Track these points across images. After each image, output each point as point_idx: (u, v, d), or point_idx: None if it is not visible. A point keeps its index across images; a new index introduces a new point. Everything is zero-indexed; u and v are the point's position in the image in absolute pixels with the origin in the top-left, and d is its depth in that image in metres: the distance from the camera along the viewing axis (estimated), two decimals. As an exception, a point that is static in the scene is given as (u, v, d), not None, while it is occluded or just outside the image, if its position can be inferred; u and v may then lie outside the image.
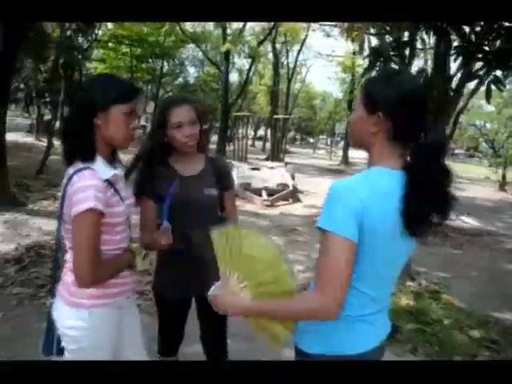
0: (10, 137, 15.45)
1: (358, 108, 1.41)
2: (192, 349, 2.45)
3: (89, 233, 1.54)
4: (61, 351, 1.70)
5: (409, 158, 1.36)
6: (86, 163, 1.60)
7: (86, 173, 1.57)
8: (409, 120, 1.33)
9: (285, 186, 11.30)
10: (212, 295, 1.46)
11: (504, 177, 20.76)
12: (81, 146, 1.62)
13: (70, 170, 1.61)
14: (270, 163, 15.05)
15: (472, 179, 24.71)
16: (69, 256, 1.69)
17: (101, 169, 1.63)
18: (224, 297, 1.44)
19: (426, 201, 1.30)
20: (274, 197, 10.52)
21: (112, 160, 1.75)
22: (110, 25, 21.47)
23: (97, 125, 1.63)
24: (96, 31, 17.50)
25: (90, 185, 1.54)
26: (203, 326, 2.32)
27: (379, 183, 1.31)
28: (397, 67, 4.69)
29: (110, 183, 1.65)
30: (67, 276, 1.70)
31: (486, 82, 4.43)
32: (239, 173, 11.93)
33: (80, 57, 15.05)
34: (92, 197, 1.52)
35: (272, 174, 12.43)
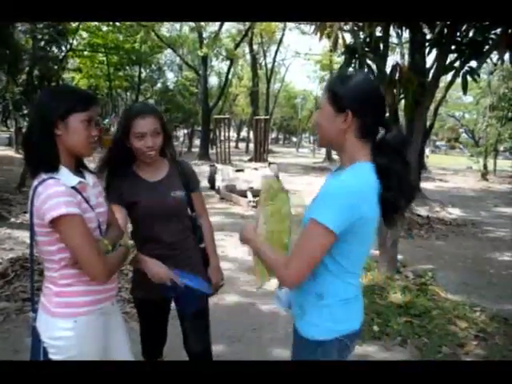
0: (-11, 151, 15.29)
1: (325, 108, 1.51)
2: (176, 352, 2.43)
3: (79, 233, 1.57)
4: None
5: (373, 152, 1.51)
6: (49, 174, 1.60)
7: (49, 181, 1.57)
8: (374, 116, 1.49)
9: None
10: (243, 225, 1.75)
11: (485, 166, 21.09)
12: (43, 158, 1.62)
13: (35, 182, 1.61)
14: (253, 164, 15.02)
15: (454, 170, 25.05)
16: (47, 265, 1.68)
17: (65, 177, 1.63)
18: (248, 229, 1.69)
19: (393, 188, 1.47)
20: (258, 198, 10.49)
21: (77, 169, 1.76)
22: (84, 33, 21.26)
23: (57, 135, 1.63)
24: (71, 40, 17.29)
25: (56, 191, 1.54)
26: (184, 327, 2.31)
27: (366, 178, 1.47)
28: (372, 63, 4.72)
29: (76, 190, 1.65)
30: (48, 287, 1.69)
31: (461, 73, 4.48)
32: (223, 175, 11.90)
33: (56, 67, 14.85)
34: (62, 202, 1.53)
35: (256, 175, 12.43)
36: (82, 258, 1.59)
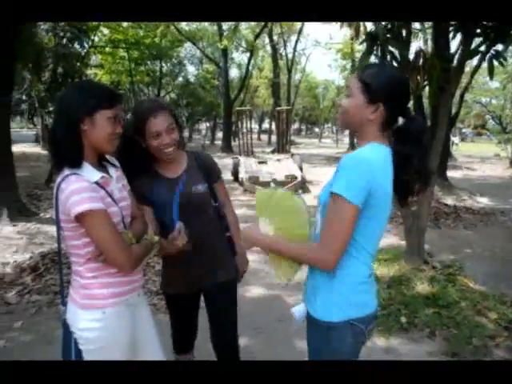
0: (18, 148, 15.61)
1: (357, 96, 1.55)
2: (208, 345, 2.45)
3: (104, 227, 1.60)
4: (79, 354, 1.72)
5: (395, 141, 1.58)
6: (73, 169, 1.62)
7: (72, 178, 1.60)
8: (400, 108, 1.57)
9: (293, 177, 11.26)
10: (243, 229, 1.72)
11: (514, 153, 20.53)
12: (67, 153, 1.64)
13: (58, 179, 1.64)
14: (276, 155, 14.99)
15: (481, 158, 24.48)
16: (74, 260, 1.72)
17: (88, 173, 1.66)
18: (252, 230, 1.67)
19: (412, 172, 1.55)
20: (283, 189, 10.47)
21: (101, 163, 1.79)
22: (105, 30, 21.47)
23: (83, 131, 1.65)
24: (92, 37, 17.49)
25: (79, 187, 1.57)
26: (213, 318, 2.32)
27: (380, 155, 1.52)
28: (394, 50, 4.62)
29: (99, 185, 1.67)
30: (76, 280, 1.73)
31: (488, 57, 4.35)
32: (246, 167, 11.90)
33: (78, 64, 15.06)
34: (86, 198, 1.56)
35: (279, 166, 12.40)
36: (108, 250, 1.62)
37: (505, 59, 4.46)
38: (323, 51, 32.09)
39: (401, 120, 1.57)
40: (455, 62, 4.65)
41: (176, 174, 2.15)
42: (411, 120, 1.57)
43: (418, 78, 4.54)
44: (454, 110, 11.84)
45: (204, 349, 2.50)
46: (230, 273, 2.28)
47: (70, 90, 1.77)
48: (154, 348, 1.95)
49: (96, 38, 19.48)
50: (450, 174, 12.44)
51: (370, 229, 1.52)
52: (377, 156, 1.50)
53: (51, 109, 15.31)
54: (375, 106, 1.52)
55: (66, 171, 1.63)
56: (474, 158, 24.17)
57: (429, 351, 3.35)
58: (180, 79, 31.39)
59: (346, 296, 1.54)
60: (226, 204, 2.36)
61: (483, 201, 10.39)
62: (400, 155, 1.55)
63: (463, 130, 52.37)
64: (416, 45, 5.32)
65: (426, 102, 5.39)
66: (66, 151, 1.64)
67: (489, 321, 3.74)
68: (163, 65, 28.20)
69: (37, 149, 20.02)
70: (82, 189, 1.57)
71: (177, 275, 2.22)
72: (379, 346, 3.38)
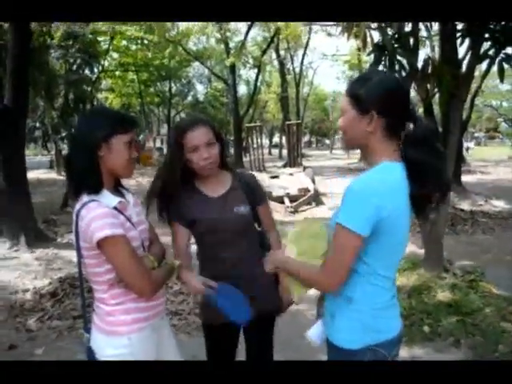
0: (33, 174, 15.86)
1: (348, 112, 1.50)
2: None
3: (125, 252, 1.60)
4: None
5: (403, 148, 1.48)
6: (91, 196, 1.63)
7: (91, 205, 1.60)
8: (398, 112, 1.46)
9: (306, 190, 11.24)
10: (271, 254, 1.80)
11: (528, 155, 20.28)
12: (86, 180, 1.66)
13: (77, 206, 1.64)
14: (288, 169, 15.01)
15: (496, 161, 24.22)
16: (95, 287, 1.72)
17: (106, 198, 1.67)
18: (277, 254, 1.73)
19: (427, 183, 1.46)
20: (297, 202, 10.48)
21: (116, 188, 1.80)
22: (115, 54, 21.89)
23: (100, 157, 1.66)
24: (102, 62, 17.84)
25: (99, 213, 1.58)
26: (251, 346, 2.24)
27: (391, 177, 1.43)
28: (402, 59, 4.63)
29: (118, 210, 1.68)
30: (100, 307, 1.73)
31: (497, 61, 4.34)
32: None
33: (89, 89, 15.34)
34: (107, 224, 1.56)
35: (292, 180, 12.40)
36: (128, 276, 1.62)
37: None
38: (330, 63, 32.37)
39: (408, 126, 1.49)
40: (464, 67, 4.64)
41: (218, 193, 2.06)
42: (417, 123, 1.48)
43: (428, 85, 4.54)
44: (464, 115, 11.76)
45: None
46: (270, 303, 2.11)
47: (84, 117, 1.81)
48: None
49: (106, 63, 19.85)
50: (464, 178, 12.31)
51: (384, 253, 1.47)
52: (386, 177, 1.41)
53: (64, 134, 15.60)
54: (369, 116, 1.44)
55: (85, 198, 1.63)
56: (488, 162, 23.91)
57: (454, 360, 3.29)
58: (189, 98, 31.80)
59: (363, 322, 1.49)
60: (271, 229, 2.21)
61: (500, 204, 10.25)
62: (411, 164, 1.45)
63: (475, 135, 51.95)
64: (424, 52, 5.33)
65: (436, 108, 5.36)
66: (85, 178, 1.65)
67: (515, 327, 3.67)
68: (172, 85, 28.62)
69: (51, 174, 20.27)
70: (102, 215, 1.58)
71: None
72: (403, 356, 3.32)
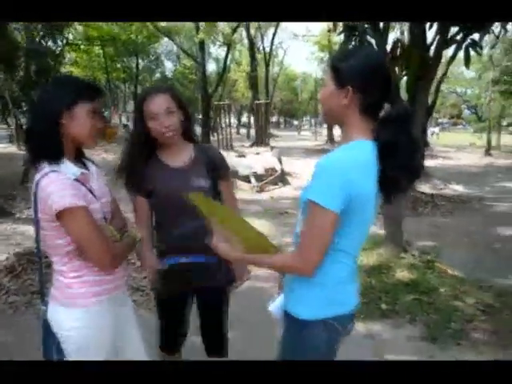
0: (-9, 148, 15.32)
1: (328, 84, 1.48)
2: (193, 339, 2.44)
3: (86, 224, 1.56)
4: (61, 354, 1.69)
5: (377, 128, 1.45)
6: (52, 165, 1.58)
7: (52, 175, 1.55)
8: (376, 91, 1.44)
9: (273, 170, 11.30)
10: (213, 243, 1.60)
11: (489, 142, 20.94)
12: (46, 148, 1.60)
13: (37, 176, 1.59)
14: (255, 149, 14.99)
15: (457, 147, 24.88)
16: (55, 259, 1.68)
17: (67, 169, 1.62)
18: (223, 246, 1.58)
19: (398, 166, 1.42)
20: (263, 182, 10.53)
21: (79, 160, 1.74)
22: (79, 27, 21.13)
23: (62, 125, 1.61)
24: (66, 34, 17.21)
25: (59, 184, 1.53)
26: (203, 323, 2.28)
27: (362, 155, 1.42)
28: (372, 40, 4.66)
29: (80, 182, 1.63)
30: (58, 279, 1.69)
31: (464, 46, 4.41)
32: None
33: (52, 62, 14.81)
34: (68, 195, 1.52)
35: (259, 160, 12.40)
36: (89, 248, 1.59)
37: (481, 48, 4.52)
38: (301, 44, 32.21)
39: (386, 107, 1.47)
40: (432, 51, 4.70)
41: (179, 164, 2.05)
42: (393, 104, 1.46)
43: (396, 68, 4.59)
44: (430, 100, 11.99)
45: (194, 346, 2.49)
46: (224, 277, 2.16)
47: (48, 84, 1.73)
48: (136, 346, 1.93)
49: (70, 36, 19.16)
50: (426, 163, 12.59)
51: (349, 231, 1.45)
52: (357, 155, 1.40)
53: (25, 108, 15.05)
54: (345, 91, 1.42)
55: (45, 168, 1.58)
56: (450, 148, 24.55)
57: (409, 336, 3.41)
58: (157, 75, 31.12)
59: (321, 295, 1.51)
60: (231, 205, 2.17)
61: (459, 189, 10.59)
62: (383, 145, 1.42)
63: (439, 120, 53.13)
64: (393, 35, 5.37)
65: (403, 93, 5.44)
66: (45, 146, 1.60)
67: (466, 305, 3.83)
68: (140, 61, 27.94)
69: (11, 149, 19.60)
70: (63, 186, 1.53)
71: (170, 279, 2.07)
72: (360, 331, 3.41)
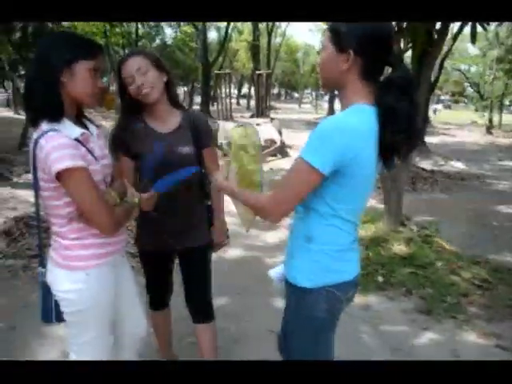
0: (-12, 112, 15.15)
1: (327, 47, 1.44)
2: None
3: (86, 185, 1.53)
4: (59, 316, 1.70)
5: (378, 93, 1.42)
6: (52, 124, 1.53)
7: (51, 134, 1.50)
8: (378, 56, 1.40)
9: (272, 141, 11.24)
10: (218, 177, 1.67)
11: (490, 120, 20.83)
12: (46, 106, 1.54)
13: (34, 135, 1.54)
14: (255, 120, 14.86)
15: (459, 125, 24.76)
16: (54, 221, 1.65)
17: (67, 128, 1.57)
18: (223, 181, 1.63)
19: (398, 131, 1.38)
20: (263, 153, 10.46)
21: (79, 119, 1.70)
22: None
23: (62, 82, 1.56)
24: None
25: (59, 144, 1.48)
26: (187, 284, 2.31)
27: (362, 119, 1.38)
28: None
29: (80, 142, 1.59)
30: (58, 241, 1.67)
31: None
32: (225, 132, 11.78)
33: (50, 24, 14.48)
34: (67, 156, 1.47)
35: (259, 131, 12.30)
36: (90, 210, 1.55)
37: (488, 24, 4.42)
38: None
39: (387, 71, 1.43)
40: (438, 24, 4.60)
41: (165, 130, 2.07)
42: (395, 68, 1.42)
43: (402, 41, 4.49)
44: (433, 76, 11.85)
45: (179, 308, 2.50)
46: (203, 239, 2.24)
47: (48, 39, 1.66)
48: (135, 308, 1.96)
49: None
50: (427, 139, 12.57)
51: (347, 196, 1.44)
52: (357, 120, 1.36)
53: (22, 72, 14.80)
54: (346, 55, 1.38)
55: (44, 127, 1.52)
56: (451, 125, 24.43)
57: (404, 308, 3.44)
58: (157, 42, 30.55)
59: (321, 263, 1.50)
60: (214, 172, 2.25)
61: (459, 166, 10.57)
62: (384, 110, 1.38)
63: (441, 97, 52.70)
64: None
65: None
66: (44, 104, 1.54)
67: (462, 280, 3.86)
68: (139, 27, 27.37)
69: (8, 113, 19.41)
70: (62, 145, 1.48)
71: (151, 234, 2.19)
72: (356, 303, 3.44)
